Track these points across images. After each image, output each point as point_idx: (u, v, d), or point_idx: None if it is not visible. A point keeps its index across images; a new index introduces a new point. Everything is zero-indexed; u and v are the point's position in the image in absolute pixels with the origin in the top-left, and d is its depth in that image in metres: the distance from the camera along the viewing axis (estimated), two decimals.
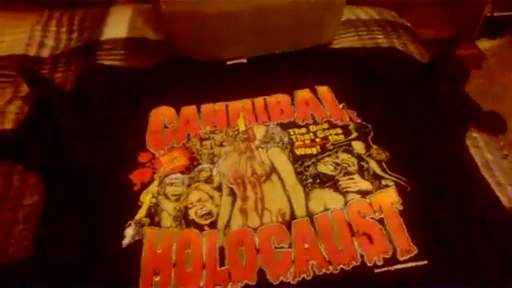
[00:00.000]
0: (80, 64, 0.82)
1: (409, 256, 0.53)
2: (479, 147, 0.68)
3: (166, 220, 0.58)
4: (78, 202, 0.60)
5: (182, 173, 0.64)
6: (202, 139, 0.69)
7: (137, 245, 0.56)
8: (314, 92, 0.75)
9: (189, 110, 0.73)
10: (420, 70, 0.79)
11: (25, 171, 0.65)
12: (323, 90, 0.76)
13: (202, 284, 0.52)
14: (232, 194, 0.61)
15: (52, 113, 0.69)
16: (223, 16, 0.77)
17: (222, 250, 0.55)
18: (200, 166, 0.65)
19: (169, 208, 0.60)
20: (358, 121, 0.70)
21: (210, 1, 0.76)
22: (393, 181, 0.61)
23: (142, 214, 0.59)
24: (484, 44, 1.47)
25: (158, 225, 0.58)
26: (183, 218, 0.58)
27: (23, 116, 0.71)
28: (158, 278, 0.53)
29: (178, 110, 0.73)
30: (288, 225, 0.57)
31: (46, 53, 0.87)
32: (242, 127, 0.70)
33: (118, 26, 0.91)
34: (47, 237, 0.56)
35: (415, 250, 0.53)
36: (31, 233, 0.57)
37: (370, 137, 0.68)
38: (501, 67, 1.43)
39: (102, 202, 0.60)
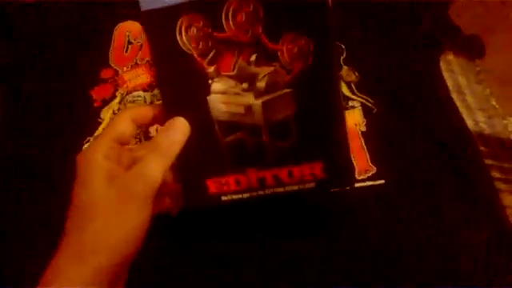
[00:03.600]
0: None
1: (367, 175, 0.53)
2: (453, 71, 0.66)
3: None
4: (37, 112, 0.60)
5: (145, 90, 0.62)
6: None
7: None
8: None
9: None
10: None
11: None
12: None
13: None
14: None
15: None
16: None
17: None
18: None
19: None
20: None
21: None
22: (360, 102, 0.60)
23: (101, 130, 0.58)
24: None
25: None
26: (143, 136, 0.58)
27: None
28: None
29: None
30: None
31: None
32: None
33: None
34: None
35: (373, 170, 0.53)
36: None
37: (342, 57, 0.65)
38: None
39: (62, 118, 0.59)
